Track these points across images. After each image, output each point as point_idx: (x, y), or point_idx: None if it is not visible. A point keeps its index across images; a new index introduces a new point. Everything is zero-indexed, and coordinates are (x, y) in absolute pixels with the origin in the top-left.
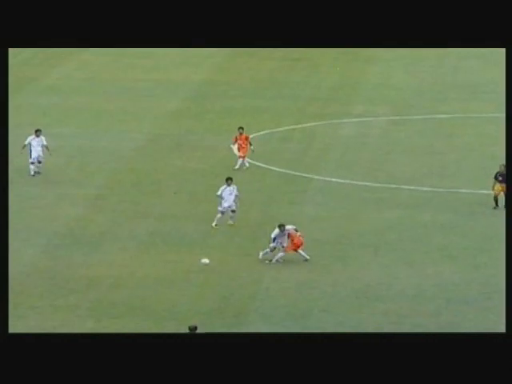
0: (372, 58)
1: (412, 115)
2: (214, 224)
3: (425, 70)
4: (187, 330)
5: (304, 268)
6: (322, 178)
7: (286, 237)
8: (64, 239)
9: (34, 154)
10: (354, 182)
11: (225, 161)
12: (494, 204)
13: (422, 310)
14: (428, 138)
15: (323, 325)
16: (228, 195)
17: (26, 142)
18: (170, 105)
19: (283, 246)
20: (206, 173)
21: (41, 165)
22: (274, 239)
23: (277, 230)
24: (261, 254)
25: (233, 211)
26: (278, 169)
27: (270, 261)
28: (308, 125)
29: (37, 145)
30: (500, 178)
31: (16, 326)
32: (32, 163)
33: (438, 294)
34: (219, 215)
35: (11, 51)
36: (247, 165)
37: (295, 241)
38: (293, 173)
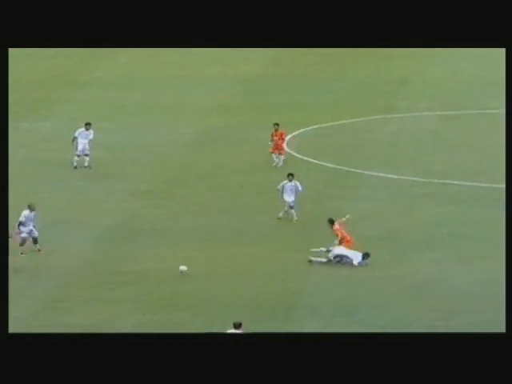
0: (419, 53)
1: (462, 110)
2: (279, 215)
3: (473, 66)
4: (232, 328)
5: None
6: (372, 173)
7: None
8: (113, 233)
9: (79, 147)
10: (404, 177)
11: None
12: None
13: (473, 307)
14: (478, 134)
15: (372, 321)
16: (289, 190)
17: (76, 135)
18: (217, 99)
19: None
20: (254, 168)
21: (88, 158)
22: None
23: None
24: (314, 250)
25: (290, 207)
26: (327, 164)
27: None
28: (357, 120)
29: (84, 138)
30: None
31: (62, 319)
32: (78, 156)
33: (489, 291)
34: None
35: (51, 50)
36: (277, 161)
37: (345, 237)
38: (343, 168)
